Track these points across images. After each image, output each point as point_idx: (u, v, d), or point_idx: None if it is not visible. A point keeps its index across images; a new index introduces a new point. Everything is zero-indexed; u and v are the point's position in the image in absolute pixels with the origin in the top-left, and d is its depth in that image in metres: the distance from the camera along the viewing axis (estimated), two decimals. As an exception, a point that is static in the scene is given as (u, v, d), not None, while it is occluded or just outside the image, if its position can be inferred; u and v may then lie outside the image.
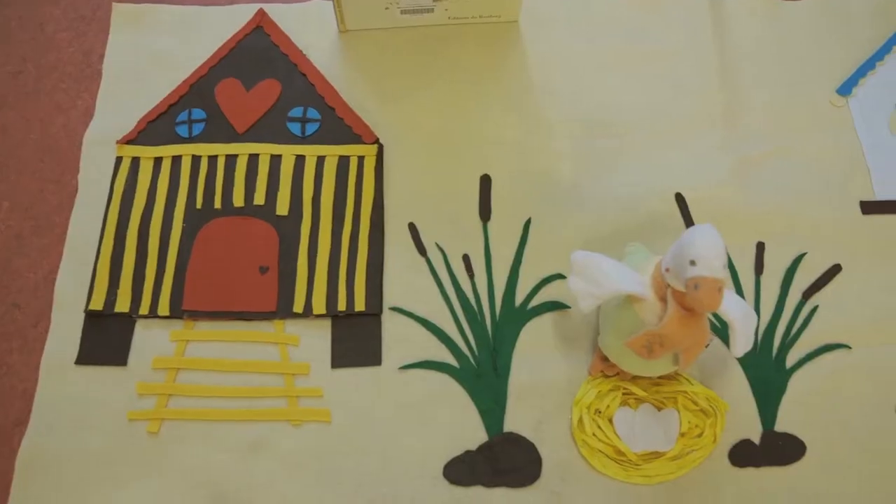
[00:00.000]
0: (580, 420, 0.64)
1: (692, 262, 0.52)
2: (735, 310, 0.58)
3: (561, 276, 0.69)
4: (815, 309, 0.70)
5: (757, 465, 0.64)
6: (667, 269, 0.55)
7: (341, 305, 0.67)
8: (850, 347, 0.68)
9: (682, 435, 0.64)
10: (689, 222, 0.72)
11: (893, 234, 0.73)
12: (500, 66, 0.78)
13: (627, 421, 0.64)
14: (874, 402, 0.67)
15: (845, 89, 0.78)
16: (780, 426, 0.66)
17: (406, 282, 0.69)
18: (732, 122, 0.77)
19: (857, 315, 0.69)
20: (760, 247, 0.72)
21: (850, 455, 0.65)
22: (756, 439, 0.65)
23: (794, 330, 0.69)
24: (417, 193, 0.72)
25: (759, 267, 0.71)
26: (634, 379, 0.65)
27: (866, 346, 0.68)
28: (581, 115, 0.76)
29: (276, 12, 0.79)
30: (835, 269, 0.71)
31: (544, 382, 0.66)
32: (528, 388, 0.66)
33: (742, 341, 0.58)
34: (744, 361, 0.68)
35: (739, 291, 0.70)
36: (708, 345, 0.65)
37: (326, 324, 0.67)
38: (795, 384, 0.67)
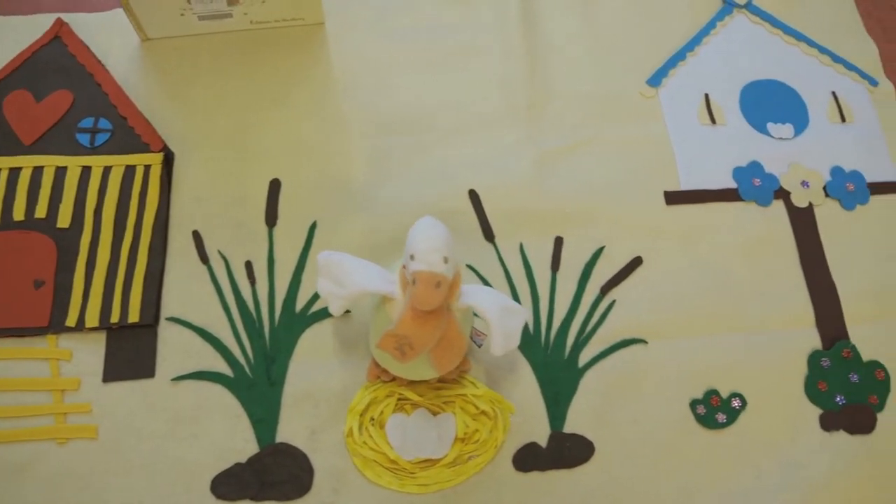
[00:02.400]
0: (352, 428, 0.61)
1: (412, 257, 0.51)
2: (490, 306, 0.56)
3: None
4: (612, 304, 0.68)
5: (542, 468, 0.62)
6: (403, 266, 0.53)
7: (114, 317, 0.65)
8: (646, 342, 0.66)
9: (462, 440, 0.62)
10: (483, 220, 0.70)
11: (695, 223, 0.71)
12: (304, 69, 0.76)
13: (400, 427, 0.62)
14: (669, 396, 0.65)
15: (655, 80, 0.77)
16: (569, 427, 0.63)
17: (186, 291, 0.67)
18: (539, 117, 0.75)
19: (655, 308, 0.67)
20: (558, 242, 0.69)
21: (641, 453, 0.63)
22: (543, 442, 0.63)
23: (590, 327, 0.67)
24: (206, 201, 0.70)
25: (555, 263, 0.69)
26: (412, 384, 0.63)
27: (663, 339, 0.66)
28: (381, 115, 0.74)
29: (77, 22, 0.78)
30: (635, 262, 0.69)
31: (321, 390, 0.63)
32: (303, 396, 0.63)
33: (499, 339, 0.56)
34: (534, 361, 0.65)
35: (534, 289, 0.68)
36: (480, 345, 0.63)
37: (102, 337, 0.65)
38: (588, 383, 0.65)
